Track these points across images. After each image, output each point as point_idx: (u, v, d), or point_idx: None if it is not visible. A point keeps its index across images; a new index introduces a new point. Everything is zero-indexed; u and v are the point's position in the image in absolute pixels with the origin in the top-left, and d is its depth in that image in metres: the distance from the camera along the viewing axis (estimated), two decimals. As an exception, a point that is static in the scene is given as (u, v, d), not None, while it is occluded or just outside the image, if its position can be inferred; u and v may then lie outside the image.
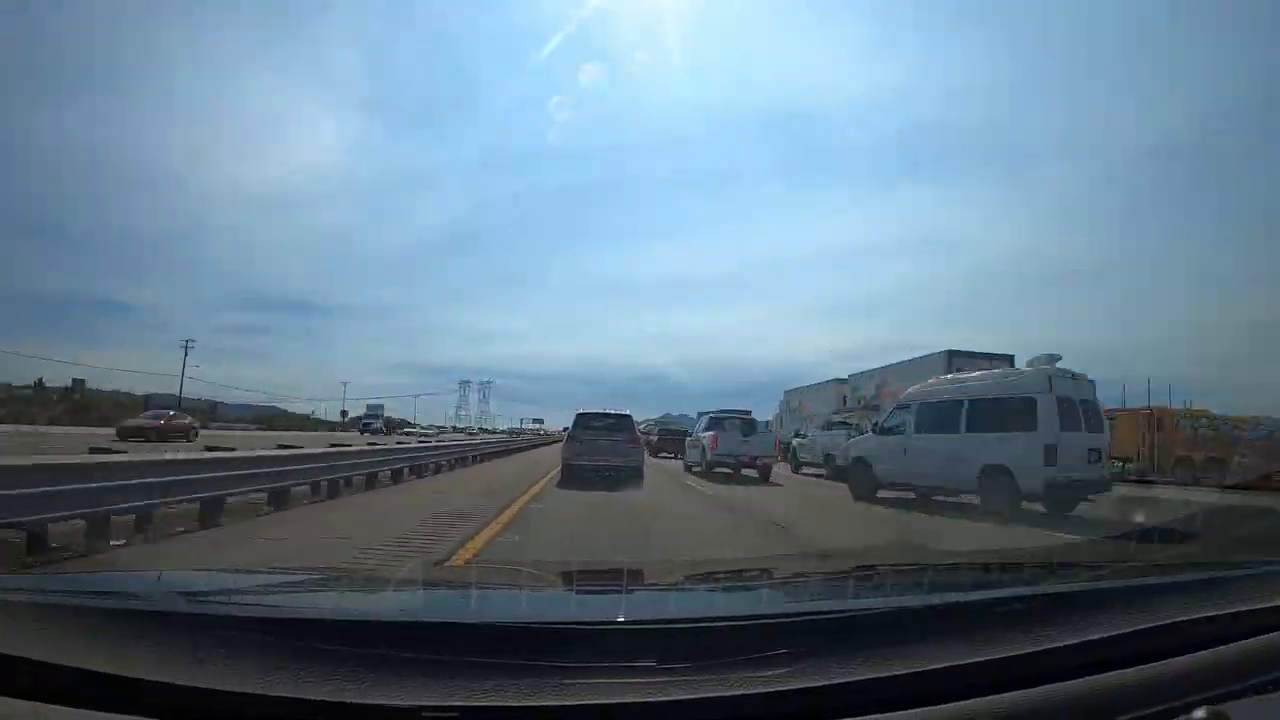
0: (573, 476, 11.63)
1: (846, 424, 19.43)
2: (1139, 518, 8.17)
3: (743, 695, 0.88)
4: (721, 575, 2.15)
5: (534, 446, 38.80)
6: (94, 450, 7.00)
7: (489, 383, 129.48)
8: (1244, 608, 1.20)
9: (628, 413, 12.05)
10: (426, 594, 1.76)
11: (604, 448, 11.33)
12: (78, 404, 45.38)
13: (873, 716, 0.89)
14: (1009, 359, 19.07)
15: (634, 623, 1.13)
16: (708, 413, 18.73)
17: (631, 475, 11.89)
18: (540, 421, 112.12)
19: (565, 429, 14.22)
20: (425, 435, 45.87)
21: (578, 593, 1.78)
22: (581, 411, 11.99)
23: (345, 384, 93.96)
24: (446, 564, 4.76)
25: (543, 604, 1.65)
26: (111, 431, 24.73)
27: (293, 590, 1.69)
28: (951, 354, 21.09)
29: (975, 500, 9.78)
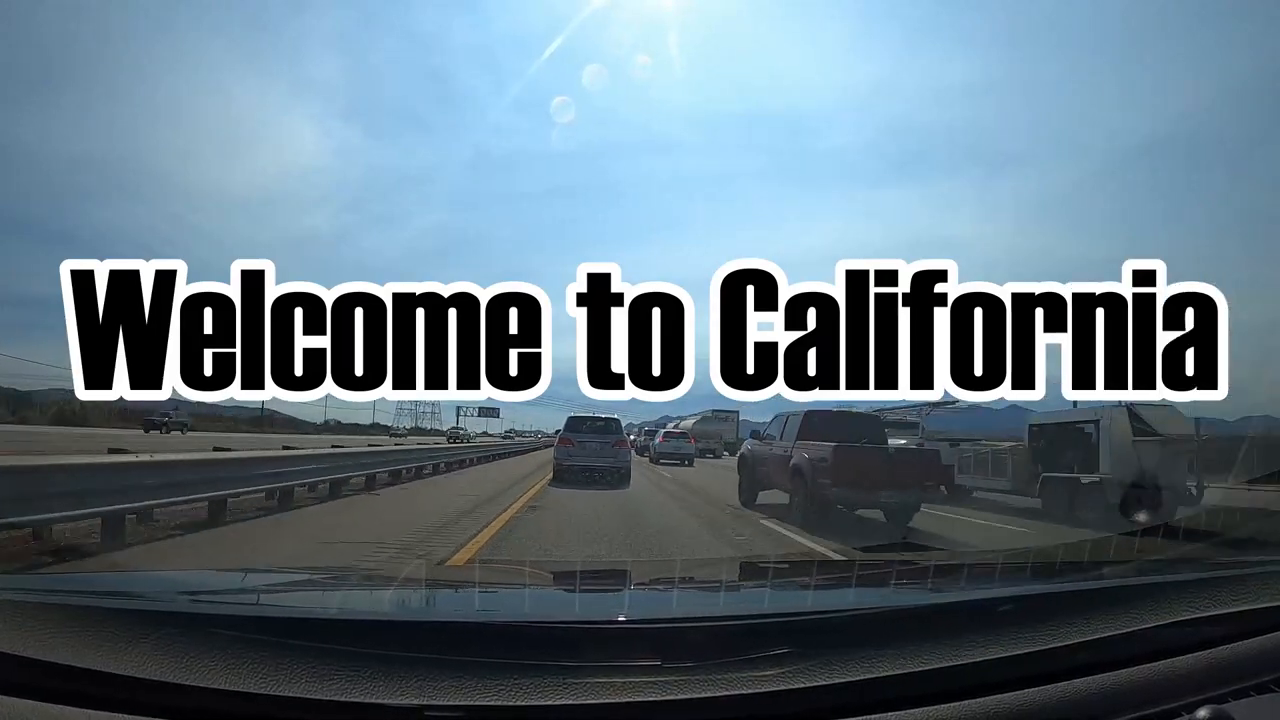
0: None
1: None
2: None
3: (745, 694, 0.88)
4: (724, 574, 2.15)
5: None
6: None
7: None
8: (1246, 607, 1.20)
9: (616, 417, 15.89)
10: (429, 593, 1.76)
11: (593, 449, 14.06)
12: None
13: (875, 716, 0.89)
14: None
15: (637, 622, 1.12)
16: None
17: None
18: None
19: (557, 431, 18.13)
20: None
21: (580, 592, 1.78)
22: (572, 416, 15.43)
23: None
24: (448, 563, 4.76)
25: (545, 603, 1.65)
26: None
27: (295, 590, 1.69)
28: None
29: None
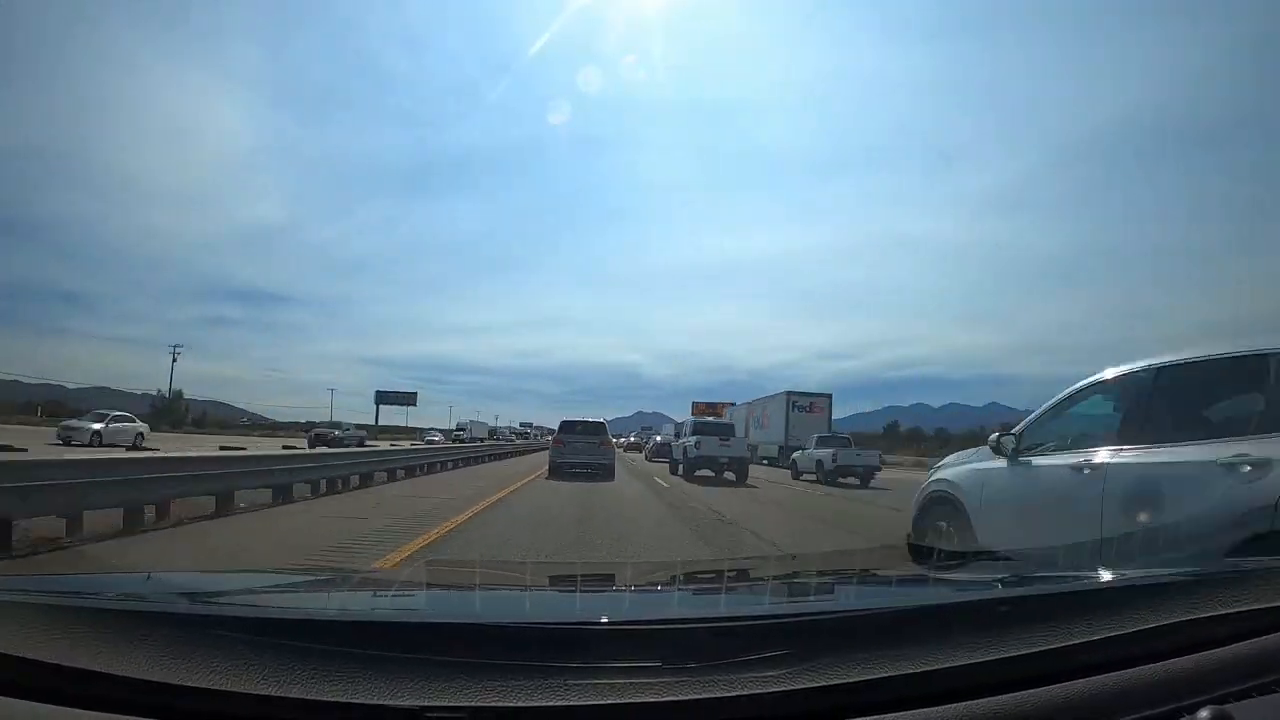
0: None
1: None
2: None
3: (746, 695, 0.88)
4: (725, 575, 2.16)
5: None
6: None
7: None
8: (1248, 607, 1.19)
9: (601, 420, 22.35)
10: (429, 594, 1.76)
11: (581, 448, 21.41)
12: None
13: (875, 717, 0.89)
14: (827, 396, 35.74)
15: (638, 623, 1.12)
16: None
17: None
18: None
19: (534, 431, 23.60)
20: None
21: (581, 593, 1.78)
22: (565, 420, 22.13)
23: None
24: (448, 561, 4.75)
25: (546, 604, 1.65)
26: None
27: (294, 591, 1.69)
28: (789, 393, 35.16)
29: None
